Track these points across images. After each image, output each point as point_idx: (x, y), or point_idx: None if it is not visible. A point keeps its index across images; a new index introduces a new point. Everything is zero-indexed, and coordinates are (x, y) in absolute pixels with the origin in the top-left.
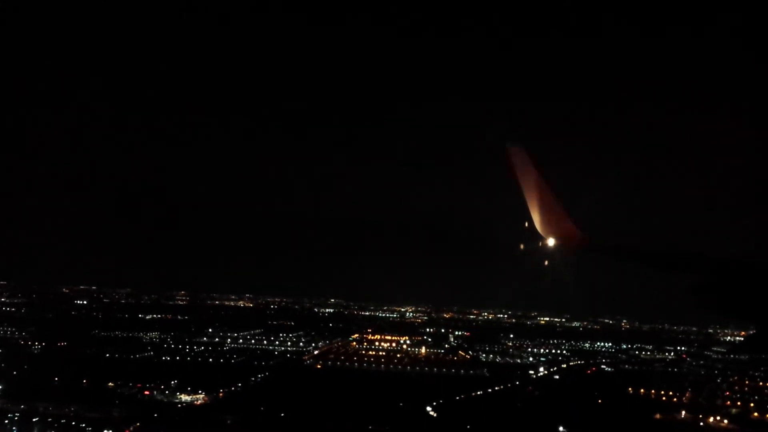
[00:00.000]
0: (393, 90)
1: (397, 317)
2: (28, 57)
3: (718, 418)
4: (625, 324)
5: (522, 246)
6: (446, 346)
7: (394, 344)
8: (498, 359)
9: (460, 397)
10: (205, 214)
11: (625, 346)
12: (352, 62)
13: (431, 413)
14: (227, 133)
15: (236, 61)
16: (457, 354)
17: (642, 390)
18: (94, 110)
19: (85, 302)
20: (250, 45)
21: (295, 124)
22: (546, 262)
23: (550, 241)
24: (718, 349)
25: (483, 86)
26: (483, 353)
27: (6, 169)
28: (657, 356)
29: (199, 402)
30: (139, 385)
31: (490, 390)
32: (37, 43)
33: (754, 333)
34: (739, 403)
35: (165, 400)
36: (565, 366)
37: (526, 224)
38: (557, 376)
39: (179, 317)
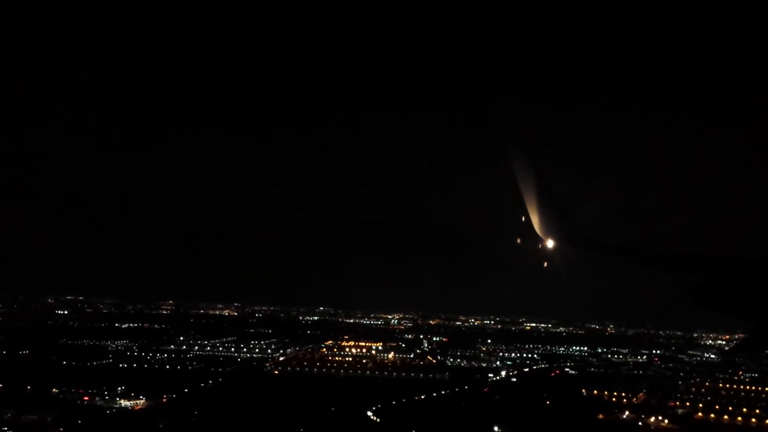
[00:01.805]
0: (386, 93)
1: (381, 324)
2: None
3: (660, 418)
4: (611, 329)
5: (519, 240)
6: (417, 351)
7: (364, 350)
8: (464, 363)
9: (403, 401)
10: (198, 225)
11: (600, 350)
12: (343, 67)
13: (371, 417)
14: (222, 139)
15: (228, 67)
16: (424, 359)
17: (595, 391)
18: (83, 121)
19: (65, 312)
20: (244, 47)
21: (285, 131)
22: (545, 264)
23: (549, 243)
24: (694, 353)
25: (480, 88)
26: (452, 358)
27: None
28: (628, 359)
29: (138, 407)
30: (81, 390)
31: (434, 394)
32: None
33: (754, 332)
34: (688, 404)
35: (104, 405)
36: (527, 369)
37: (523, 219)
38: (515, 379)
39: (156, 326)
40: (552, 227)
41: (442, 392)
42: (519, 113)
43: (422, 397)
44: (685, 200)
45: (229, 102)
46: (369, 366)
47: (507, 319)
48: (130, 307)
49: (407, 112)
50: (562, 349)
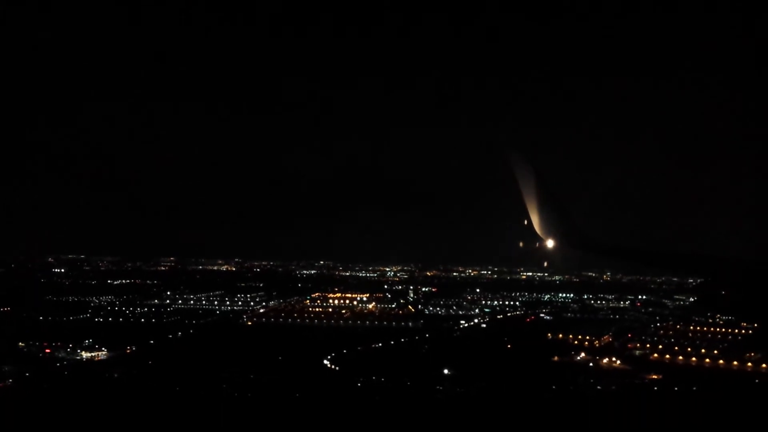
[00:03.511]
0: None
1: (377, 276)
2: None
3: (614, 359)
4: (607, 276)
5: (521, 244)
6: (401, 301)
7: (347, 301)
8: (442, 312)
9: (358, 348)
10: (203, 180)
11: (586, 297)
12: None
13: (328, 364)
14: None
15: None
16: (404, 308)
17: (560, 335)
18: (78, 84)
19: (62, 270)
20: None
21: (283, 89)
22: (546, 264)
23: (549, 243)
24: (679, 297)
25: (482, 82)
26: (433, 307)
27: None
28: (610, 305)
29: (99, 358)
30: (45, 343)
31: (392, 342)
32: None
33: (757, 332)
34: (648, 346)
35: (65, 357)
36: (500, 316)
37: (525, 222)
38: (484, 325)
39: (149, 282)
40: (552, 228)
41: (401, 339)
42: (518, 112)
43: (380, 344)
44: (686, 200)
45: (224, 72)
46: (346, 316)
47: (504, 270)
48: (129, 265)
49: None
50: (548, 296)
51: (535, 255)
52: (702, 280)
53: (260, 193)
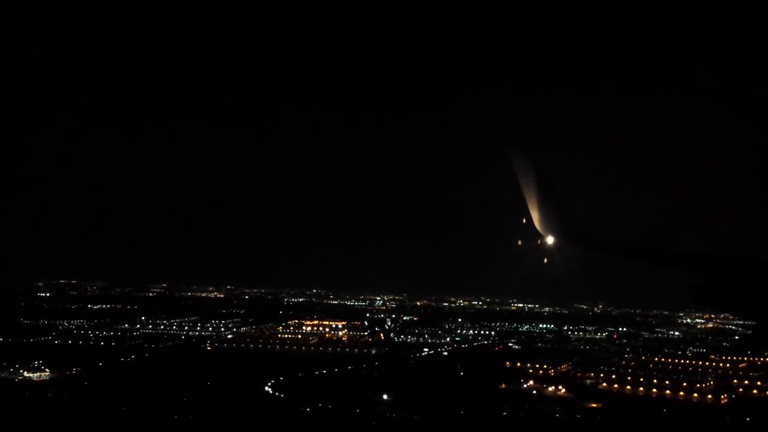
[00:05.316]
0: (380, 75)
1: (364, 305)
2: None
3: (560, 387)
4: (597, 309)
5: (520, 242)
6: (376, 329)
7: (320, 328)
8: (412, 340)
9: (300, 375)
10: (197, 208)
11: (566, 327)
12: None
13: (269, 390)
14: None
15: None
16: (375, 336)
17: (519, 364)
18: (72, 108)
19: (47, 294)
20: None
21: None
22: (545, 260)
23: (549, 240)
24: (661, 330)
25: (477, 80)
26: (406, 335)
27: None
28: (586, 336)
29: (40, 379)
30: None
31: (346, 367)
32: None
33: (755, 330)
34: (602, 375)
35: (7, 377)
36: (468, 345)
37: (524, 220)
38: (446, 353)
39: (129, 307)
40: (552, 225)
41: (356, 366)
42: (520, 109)
43: (324, 371)
44: (685, 198)
45: (213, 89)
46: (312, 342)
47: (497, 300)
48: (118, 290)
49: (397, 96)
50: (528, 326)
51: (534, 253)
52: (700, 277)
53: (256, 221)
